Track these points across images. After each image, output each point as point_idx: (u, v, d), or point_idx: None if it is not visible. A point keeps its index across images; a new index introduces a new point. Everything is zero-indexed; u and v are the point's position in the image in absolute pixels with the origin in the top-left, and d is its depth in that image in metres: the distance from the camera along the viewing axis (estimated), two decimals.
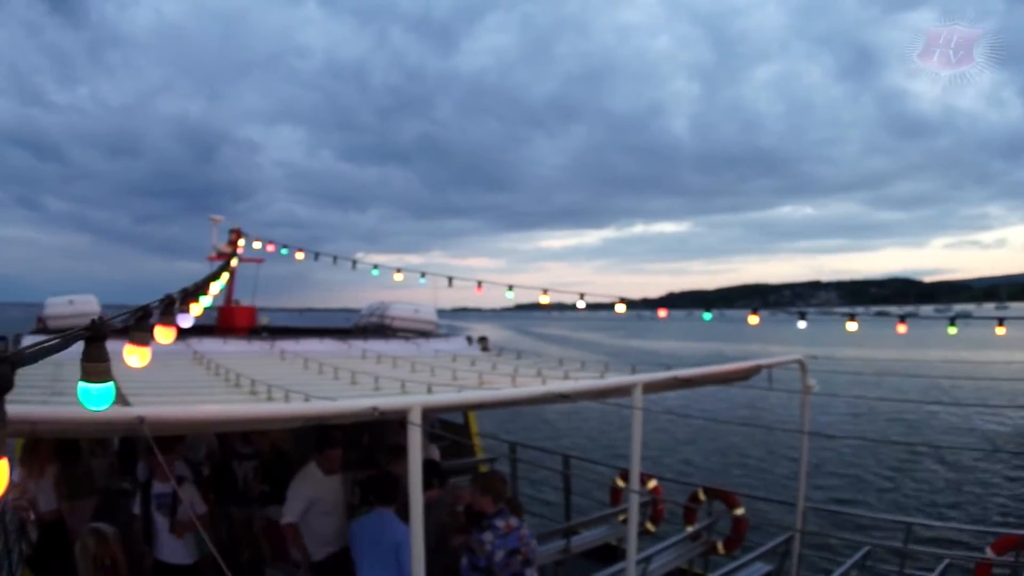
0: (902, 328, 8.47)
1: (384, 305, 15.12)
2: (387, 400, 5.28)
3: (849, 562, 8.14)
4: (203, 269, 14.52)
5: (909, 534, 8.88)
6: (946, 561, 8.21)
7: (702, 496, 10.47)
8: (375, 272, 12.46)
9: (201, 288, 7.22)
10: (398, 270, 11.83)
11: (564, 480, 11.87)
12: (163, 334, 4.59)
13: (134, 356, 3.86)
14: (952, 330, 8.64)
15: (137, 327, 3.86)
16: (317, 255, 13.68)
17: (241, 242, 15.80)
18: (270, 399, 5.97)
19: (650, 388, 6.74)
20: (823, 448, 24.07)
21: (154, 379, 6.97)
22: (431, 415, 7.95)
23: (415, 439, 4.88)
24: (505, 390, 6.91)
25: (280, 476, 8.23)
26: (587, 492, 12.30)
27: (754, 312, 8.85)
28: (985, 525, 15.83)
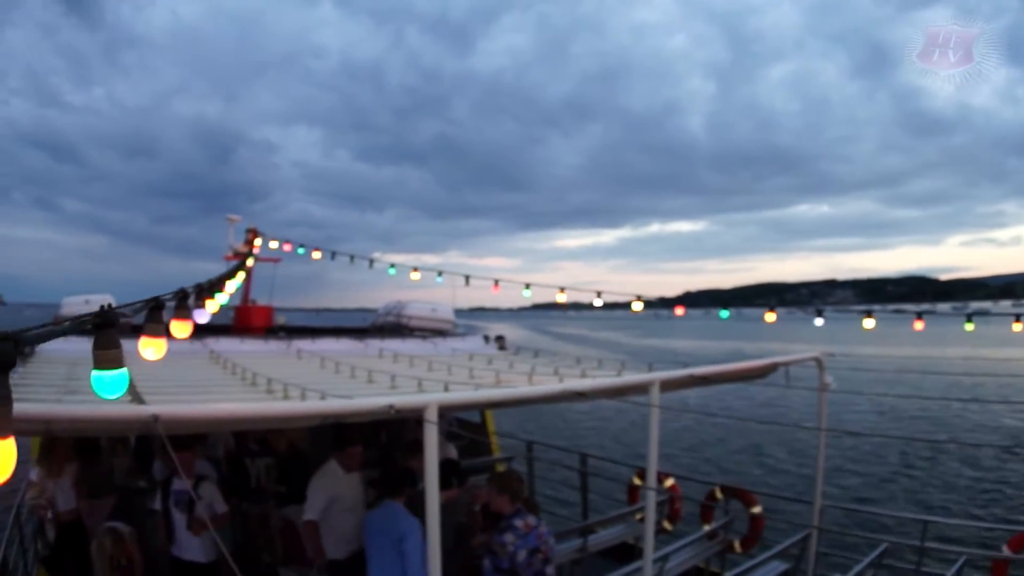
0: (919, 325, 8.43)
1: (401, 304, 15.11)
2: (404, 398, 5.25)
3: (866, 560, 8.11)
4: (220, 269, 14.55)
5: (926, 532, 8.82)
6: (963, 559, 8.15)
7: (719, 495, 10.44)
8: (392, 271, 12.46)
9: (217, 285, 7.21)
10: (415, 269, 11.82)
11: (581, 479, 11.86)
12: (179, 328, 4.58)
13: (149, 348, 3.84)
14: (969, 326, 8.58)
15: (151, 318, 3.84)
16: (334, 254, 13.68)
17: (258, 242, 15.84)
18: (286, 398, 5.93)
19: (667, 386, 6.70)
20: (843, 446, 24.00)
21: (170, 378, 6.97)
22: (448, 413, 7.93)
23: (431, 437, 4.86)
24: (522, 388, 6.88)
25: (298, 476, 8.21)
26: (604, 491, 12.27)
27: (771, 310, 8.80)
28: (1002, 523, 15.74)
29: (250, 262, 14.94)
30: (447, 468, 7.51)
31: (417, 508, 5.68)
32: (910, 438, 26.06)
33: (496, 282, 10.51)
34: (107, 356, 2.96)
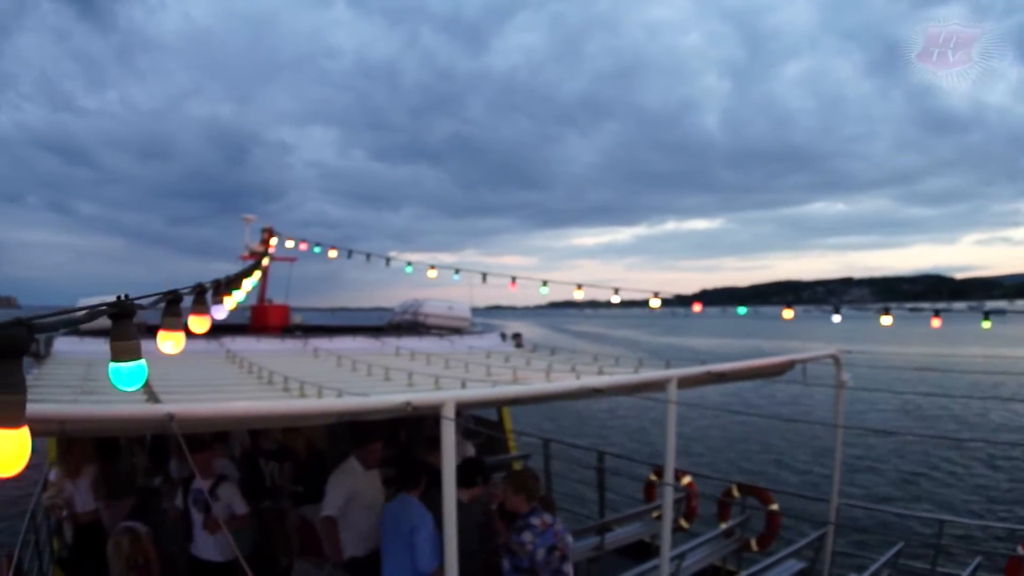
0: (936, 322, 8.39)
1: (418, 303, 15.09)
2: (421, 395, 5.22)
3: (882, 559, 8.07)
4: (235, 269, 14.61)
5: (942, 531, 8.77)
6: (978, 559, 8.10)
7: (736, 492, 10.46)
8: (408, 269, 12.44)
9: (234, 282, 7.18)
10: (432, 267, 11.79)
11: (598, 477, 11.83)
12: (197, 323, 4.56)
13: (168, 341, 3.82)
14: (986, 324, 8.52)
15: (169, 311, 3.81)
16: (350, 253, 13.67)
17: (273, 241, 15.85)
18: (303, 396, 5.91)
19: (685, 383, 6.68)
20: (862, 445, 23.98)
21: (186, 377, 6.97)
22: (465, 410, 7.90)
23: (448, 434, 4.83)
24: (539, 384, 6.86)
25: (315, 476, 8.19)
26: (621, 489, 12.24)
27: (788, 306, 8.76)
28: (1021, 524, 15.64)
29: (266, 261, 14.96)
30: (471, 466, 7.50)
31: (435, 504, 5.63)
32: (928, 435, 26.01)
33: (513, 279, 10.47)
34: (124, 347, 2.92)
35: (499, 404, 10.28)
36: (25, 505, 10.18)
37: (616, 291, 9.48)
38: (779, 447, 25.27)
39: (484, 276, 10.77)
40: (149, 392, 5.48)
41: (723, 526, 9.75)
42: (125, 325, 2.90)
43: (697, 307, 9.90)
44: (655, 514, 9.98)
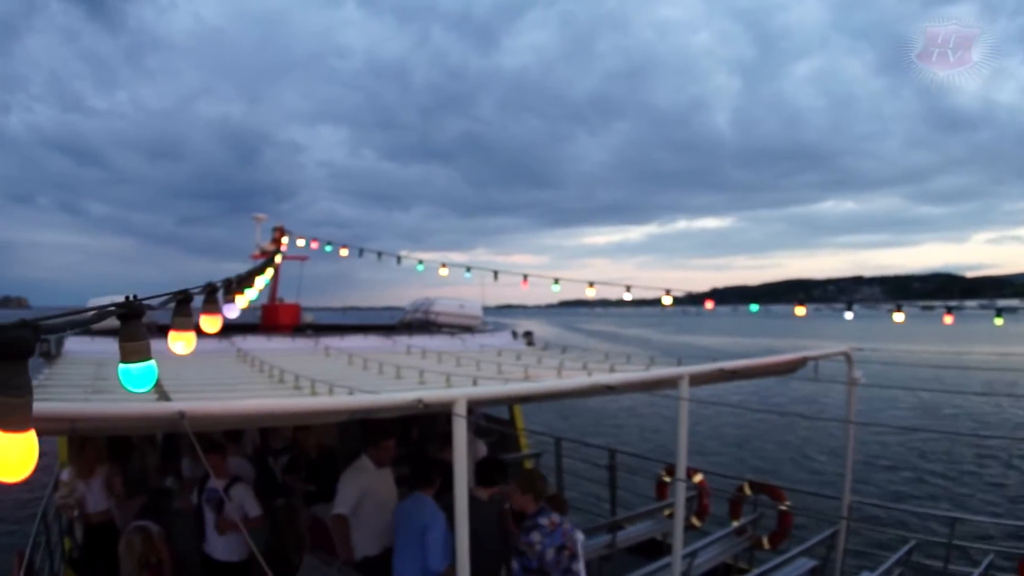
0: (949, 319, 8.36)
1: (429, 301, 15.08)
2: (432, 392, 5.19)
3: (894, 557, 8.06)
4: (247, 269, 14.63)
5: (954, 528, 8.73)
6: (990, 556, 8.07)
7: (748, 490, 10.42)
8: (420, 267, 12.44)
9: (246, 281, 7.17)
10: (443, 265, 11.78)
11: (610, 475, 11.81)
12: (209, 323, 4.53)
13: (179, 342, 3.79)
14: (998, 321, 8.49)
15: (179, 311, 3.78)
16: (361, 251, 13.67)
17: (285, 240, 15.86)
18: (314, 394, 5.90)
19: (697, 380, 6.67)
20: (875, 443, 23.96)
21: (197, 376, 6.98)
22: (476, 408, 7.88)
23: (460, 431, 4.81)
24: (551, 381, 6.84)
25: (327, 475, 8.18)
26: (633, 487, 12.24)
27: (800, 303, 8.74)
28: None
29: (278, 259, 14.96)
30: (491, 465, 7.48)
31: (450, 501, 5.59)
32: (939, 431, 25.91)
33: (525, 277, 10.47)
34: (134, 348, 2.89)
35: (511, 401, 10.26)
36: (36, 507, 10.19)
37: (628, 288, 9.47)
38: (792, 446, 25.28)
39: (496, 274, 10.77)
40: (160, 391, 5.48)
41: (735, 524, 9.76)
42: (134, 326, 2.87)
43: (709, 304, 9.89)
44: (667, 512, 10.00)
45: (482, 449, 9.55)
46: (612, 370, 7.94)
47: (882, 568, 7.79)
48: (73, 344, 9.62)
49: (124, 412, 4.36)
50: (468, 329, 13.91)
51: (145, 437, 9.60)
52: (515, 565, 6.37)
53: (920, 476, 21.37)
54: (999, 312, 8.56)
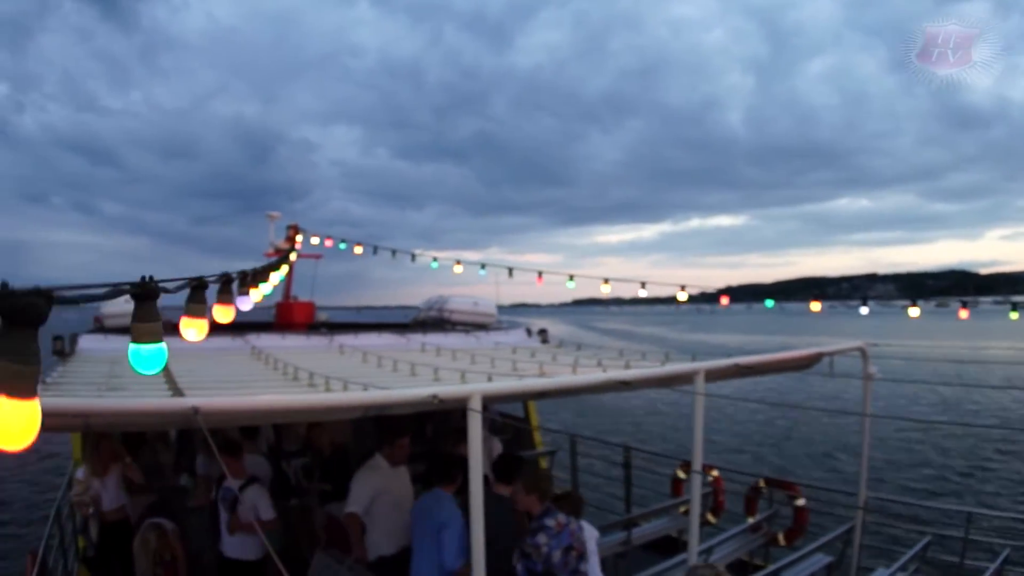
0: (964, 313, 8.33)
1: (443, 299, 15.05)
2: (447, 388, 5.17)
3: (910, 552, 8.06)
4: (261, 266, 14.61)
5: (970, 523, 8.71)
6: (1006, 551, 8.03)
7: (763, 487, 10.41)
8: (434, 265, 12.42)
9: (260, 275, 7.16)
10: (458, 262, 11.76)
11: (625, 472, 11.79)
12: (222, 313, 4.51)
13: (191, 329, 3.77)
14: (1014, 315, 8.45)
15: (193, 298, 3.75)
16: (376, 249, 13.66)
17: (299, 238, 15.85)
18: (328, 391, 5.87)
19: (712, 376, 6.69)
20: (892, 438, 23.92)
21: (211, 373, 6.98)
22: (491, 404, 7.87)
23: (475, 426, 4.78)
24: (566, 377, 6.82)
25: (341, 473, 8.16)
26: (648, 484, 12.21)
27: (816, 299, 8.72)
28: None
29: (292, 257, 14.97)
30: (510, 461, 7.45)
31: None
32: (954, 423, 25.81)
33: (540, 274, 10.44)
34: (146, 329, 2.87)
35: (526, 397, 10.25)
36: (47, 509, 10.21)
37: (643, 285, 9.43)
38: (808, 442, 25.26)
39: (510, 271, 10.74)
40: (174, 388, 5.47)
41: (750, 520, 9.79)
42: (148, 307, 2.85)
43: (724, 300, 9.86)
44: (682, 509, 9.99)
45: (497, 446, 9.52)
46: (627, 367, 7.93)
47: (898, 563, 7.79)
48: (87, 342, 9.65)
49: (138, 408, 4.36)
50: (482, 327, 13.88)
51: (158, 435, 9.61)
52: (520, 568, 6.23)
53: (937, 472, 21.34)
54: (1015, 307, 8.54)
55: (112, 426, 6.50)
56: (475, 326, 13.93)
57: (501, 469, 7.14)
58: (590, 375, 6.86)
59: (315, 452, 9.52)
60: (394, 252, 13.21)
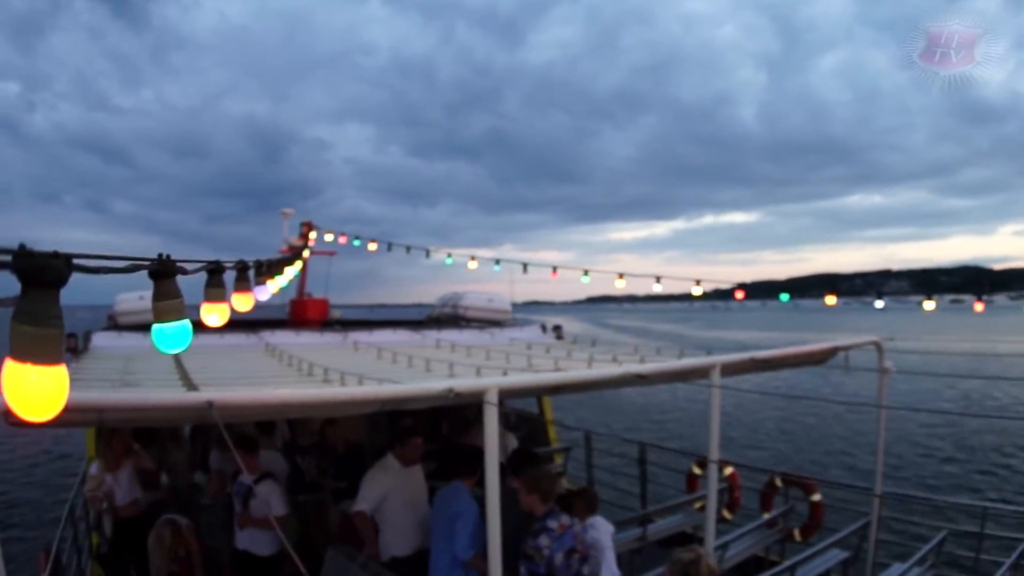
0: (979, 306, 8.31)
1: (457, 295, 15.05)
2: (463, 382, 5.14)
3: (926, 547, 8.06)
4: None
5: (986, 518, 8.69)
6: (1021, 546, 8.01)
7: (779, 483, 10.40)
8: (448, 261, 12.40)
9: (275, 267, 7.15)
10: (472, 258, 11.75)
11: (640, 468, 11.75)
12: (240, 301, 4.49)
13: (213, 314, 3.74)
14: None
15: (212, 283, 3.72)
16: (390, 246, 13.66)
17: (313, 235, 15.86)
18: (343, 386, 5.86)
19: (728, 370, 6.69)
20: (907, 433, 23.86)
21: (225, 369, 6.97)
22: (507, 398, 7.87)
23: (492, 420, 4.75)
24: (582, 371, 6.80)
25: (356, 471, 8.15)
26: (663, 480, 12.19)
27: (831, 293, 8.70)
28: None
29: (306, 253, 14.98)
30: (527, 456, 7.43)
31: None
32: (968, 414, 25.73)
33: (554, 269, 10.41)
34: (167, 307, 2.83)
35: (542, 391, 10.24)
36: (59, 511, 10.23)
37: (658, 279, 9.41)
38: (823, 438, 25.20)
39: (525, 266, 10.72)
40: (188, 383, 5.46)
41: (766, 516, 9.78)
42: (167, 284, 2.81)
43: (740, 294, 9.83)
44: (697, 505, 10.04)
45: (512, 443, 9.52)
46: (642, 362, 7.90)
47: (914, 558, 7.81)
48: (101, 340, 9.68)
49: (153, 402, 4.35)
50: (497, 323, 13.87)
51: (170, 434, 9.62)
52: (522, 570, 6.13)
53: (951, 466, 21.29)
54: None
55: (126, 421, 6.50)
56: (490, 322, 13.91)
57: (516, 465, 7.13)
58: (606, 369, 6.85)
59: (329, 449, 9.52)
60: (408, 248, 13.21)
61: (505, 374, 6.43)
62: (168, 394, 4.67)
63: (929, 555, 8.02)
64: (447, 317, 14.89)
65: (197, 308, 3.79)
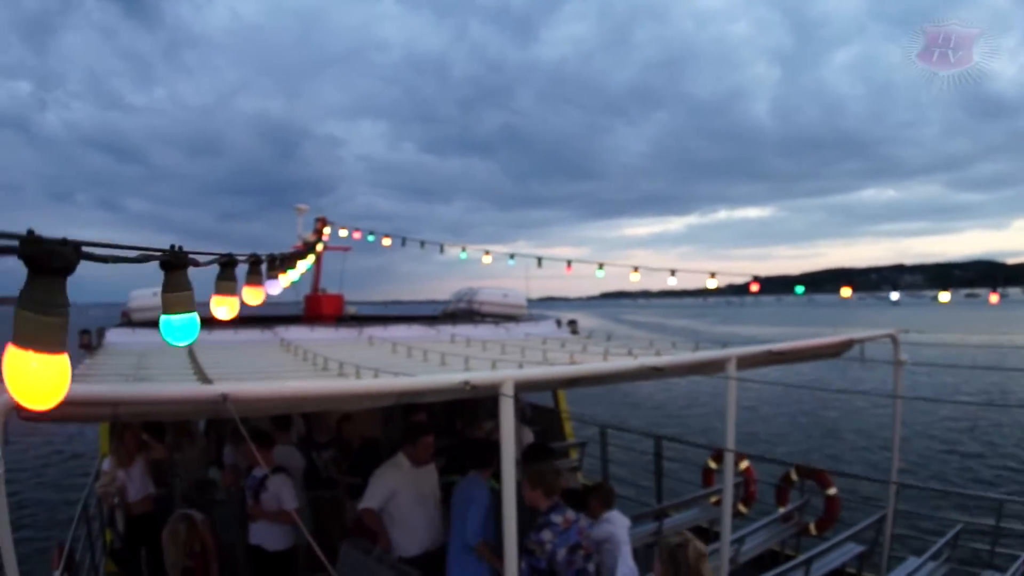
0: (994, 298, 8.29)
1: (473, 291, 15.04)
2: (479, 374, 5.11)
3: (941, 541, 8.03)
4: None
5: (1001, 511, 8.68)
6: None
7: (794, 476, 10.40)
8: (463, 255, 12.36)
9: (288, 261, 7.13)
10: (487, 252, 11.71)
11: (656, 463, 11.74)
12: (251, 295, 4.47)
13: (222, 307, 3.73)
14: None
15: (223, 275, 3.70)
16: (404, 241, 13.64)
17: (327, 231, 15.86)
18: (359, 380, 5.83)
19: (744, 362, 6.67)
20: (923, 426, 23.87)
21: (240, 364, 6.96)
22: (523, 392, 7.88)
23: (508, 412, 4.72)
24: (597, 364, 6.76)
25: (370, 467, 8.14)
26: (679, 475, 12.17)
27: (847, 285, 8.68)
28: None
29: (319, 248, 14.99)
30: (542, 449, 7.41)
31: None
32: (984, 404, 25.63)
33: (569, 263, 10.36)
34: (177, 299, 2.82)
35: (558, 384, 10.21)
36: (72, 511, 10.25)
37: (673, 272, 9.36)
38: (839, 432, 25.13)
39: (539, 260, 10.67)
40: (203, 378, 5.45)
41: (782, 510, 9.77)
42: (177, 276, 2.79)
43: (755, 287, 9.80)
44: (713, 499, 10.09)
45: (528, 437, 9.50)
46: (658, 355, 7.86)
47: (929, 552, 7.80)
48: (114, 336, 9.70)
49: (167, 395, 4.33)
50: (512, 318, 13.85)
51: (181, 430, 9.60)
52: (523, 565, 6.04)
53: (967, 459, 21.21)
54: None
55: (141, 415, 6.49)
56: (505, 317, 13.90)
57: (531, 458, 7.12)
58: (622, 362, 6.80)
59: (344, 445, 9.51)
60: (423, 243, 13.18)
61: (521, 367, 6.40)
62: (182, 386, 4.65)
63: (944, 549, 8.00)
64: (462, 312, 14.88)
65: (208, 304, 3.77)
